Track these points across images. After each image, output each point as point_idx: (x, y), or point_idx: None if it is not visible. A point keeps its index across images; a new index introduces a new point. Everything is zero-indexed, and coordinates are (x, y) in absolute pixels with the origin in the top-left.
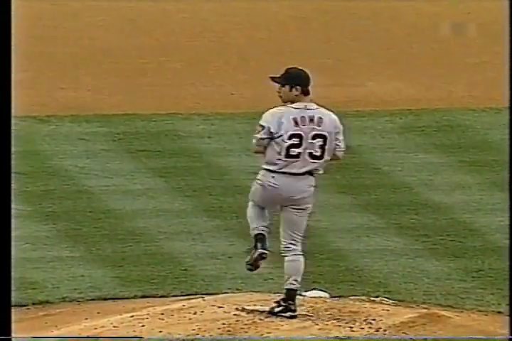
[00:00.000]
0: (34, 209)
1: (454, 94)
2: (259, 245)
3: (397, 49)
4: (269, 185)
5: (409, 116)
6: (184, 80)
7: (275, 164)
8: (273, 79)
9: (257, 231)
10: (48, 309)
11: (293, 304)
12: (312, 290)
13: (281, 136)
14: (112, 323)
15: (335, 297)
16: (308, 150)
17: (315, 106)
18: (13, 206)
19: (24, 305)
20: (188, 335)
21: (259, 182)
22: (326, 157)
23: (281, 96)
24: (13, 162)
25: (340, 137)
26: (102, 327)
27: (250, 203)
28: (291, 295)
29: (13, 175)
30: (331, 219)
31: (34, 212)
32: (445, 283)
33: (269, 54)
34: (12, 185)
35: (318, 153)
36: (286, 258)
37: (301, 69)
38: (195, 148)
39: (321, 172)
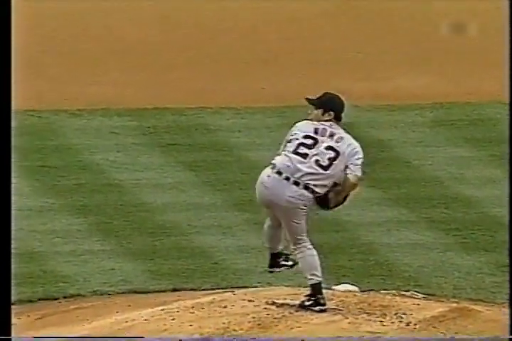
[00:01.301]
0: (65, 203)
1: (484, 88)
2: (270, 263)
3: (426, 44)
4: (262, 183)
5: (439, 110)
6: (214, 75)
7: (279, 159)
8: (309, 101)
9: (270, 251)
10: (79, 302)
11: (322, 298)
12: (342, 284)
13: (296, 133)
14: (142, 317)
15: (365, 291)
16: (316, 157)
17: (342, 130)
18: (44, 200)
19: (56, 299)
20: (218, 329)
21: (259, 178)
22: (331, 172)
23: (311, 119)
24: (44, 156)
25: (358, 162)
26: (133, 320)
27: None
28: (315, 289)
29: (44, 168)
30: (361, 213)
31: (65, 206)
32: (476, 277)
33: (299, 49)
34: (42, 178)
35: (324, 163)
36: (296, 257)
37: (337, 95)
38: (225, 142)
39: (319, 191)
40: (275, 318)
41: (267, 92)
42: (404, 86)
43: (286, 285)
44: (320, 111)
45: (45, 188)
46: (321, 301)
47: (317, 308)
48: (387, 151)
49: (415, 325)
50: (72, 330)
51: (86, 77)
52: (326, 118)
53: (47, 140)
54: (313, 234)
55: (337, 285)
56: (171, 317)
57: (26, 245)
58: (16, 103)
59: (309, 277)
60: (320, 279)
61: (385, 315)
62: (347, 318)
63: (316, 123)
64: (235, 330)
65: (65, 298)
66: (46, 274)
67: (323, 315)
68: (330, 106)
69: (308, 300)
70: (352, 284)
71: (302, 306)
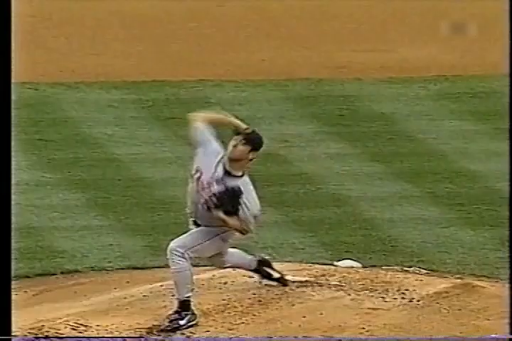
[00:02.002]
0: (63, 178)
1: (489, 60)
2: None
3: (431, 15)
4: None
5: (444, 82)
6: (214, 47)
7: None
8: (243, 132)
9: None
10: (77, 278)
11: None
12: (344, 260)
13: None
14: (141, 293)
15: (367, 267)
16: None
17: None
18: (41, 174)
19: (53, 274)
20: (219, 305)
21: None
22: None
23: (232, 152)
24: (41, 129)
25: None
26: (132, 296)
27: None
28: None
29: (41, 142)
30: (364, 188)
31: (63, 180)
32: (480, 252)
33: (302, 20)
34: (39, 152)
35: None
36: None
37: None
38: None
39: None
40: (276, 294)
41: (268, 65)
42: (408, 58)
43: (287, 261)
44: (247, 147)
45: (42, 162)
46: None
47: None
48: (390, 125)
49: (418, 301)
50: (71, 306)
51: (84, 48)
52: (250, 158)
53: (44, 113)
54: (314, 209)
55: (339, 261)
56: (171, 294)
57: (23, 220)
58: (12, 75)
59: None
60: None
61: (388, 291)
62: (349, 295)
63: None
64: (235, 307)
65: (62, 273)
66: (43, 249)
67: (325, 291)
68: (258, 146)
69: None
70: (354, 260)
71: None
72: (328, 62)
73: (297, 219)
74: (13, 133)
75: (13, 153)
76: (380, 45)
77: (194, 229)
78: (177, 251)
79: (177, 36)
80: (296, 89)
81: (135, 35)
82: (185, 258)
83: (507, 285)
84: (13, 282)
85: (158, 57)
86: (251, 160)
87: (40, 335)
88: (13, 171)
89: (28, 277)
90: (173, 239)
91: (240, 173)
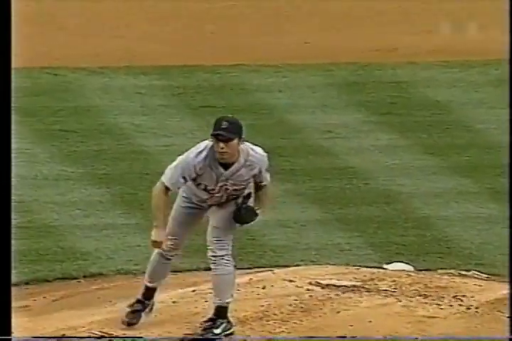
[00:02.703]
0: (85, 172)
1: None
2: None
3: None
4: None
5: (505, 66)
6: (252, 28)
7: None
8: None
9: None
10: (101, 282)
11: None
12: (395, 262)
13: None
14: (171, 298)
15: (420, 270)
16: None
17: None
18: (61, 168)
19: (75, 278)
20: (257, 312)
21: None
22: None
23: (226, 152)
24: (61, 119)
25: None
26: (161, 302)
27: None
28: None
29: (62, 133)
30: (417, 183)
31: (85, 175)
32: None
33: None
34: (60, 143)
35: None
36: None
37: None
38: (263, 104)
39: None
40: (319, 300)
41: (310, 48)
42: (466, 40)
43: (331, 264)
44: (236, 140)
45: (63, 155)
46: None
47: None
48: (446, 114)
49: (477, 308)
50: (94, 313)
51: (108, 30)
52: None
53: (64, 101)
54: (362, 206)
55: (389, 263)
56: (204, 299)
57: (42, 218)
58: (29, 59)
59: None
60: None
61: (443, 297)
62: (400, 301)
63: None
64: (274, 314)
65: (85, 277)
66: (64, 251)
67: (374, 297)
68: (241, 132)
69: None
70: (406, 263)
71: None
72: (377, 44)
73: (343, 218)
74: (30, 124)
75: (30, 145)
76: (432, 26)
77: (217, 223)
78: (227, 255)
79: (210, 16)
80: (341, 74)
81: (163, 14)
82: (230, 260)
83: None
84: (30, 286)
85: (190, 40)
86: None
87: (40, 335)
88: (31, 165)
89: (48, 281)
90: (206, 240)
91: (236, 157)
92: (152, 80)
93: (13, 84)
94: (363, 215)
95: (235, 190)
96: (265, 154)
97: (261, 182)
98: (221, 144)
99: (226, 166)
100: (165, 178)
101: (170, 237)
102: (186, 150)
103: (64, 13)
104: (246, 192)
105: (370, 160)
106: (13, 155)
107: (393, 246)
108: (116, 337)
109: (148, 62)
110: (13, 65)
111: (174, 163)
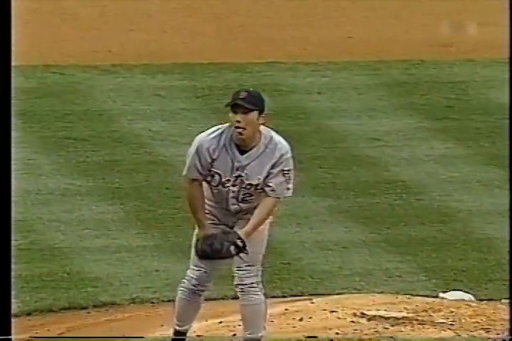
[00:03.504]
0: (96, 185)
1: None
2: None
3: None
4: None
5: None
6: (287, 20)
7: None
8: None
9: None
10: (113, 312)
11: None
12: (452, 291)
13: None
14: (195, 331)
15: (482, 300)
16: None
17: None
18: (69, 181)
19: (84, 308)
20: None
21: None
22: None
23: (243, 129)
24: (69, 124)
25: None
26: None
27: None
28: None
29: (69, 141)
30: (478, 199)
31: (96, 189)
32: None
33: None
34: (67, 153)
35: None
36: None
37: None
38: (301, 107)
39: None
40: (365, 334)
41: (355, 43)
42: None
43: (378, 292)
44: (255, 113)
45: (71, 166)
46: None
47: None
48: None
49: None
50: None
51: (123, 22)
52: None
53: (72, 104)
54: (414, 225)
55: (445, 292)
56: (232, 332)
57: (46, 239)
58: (32, 56)
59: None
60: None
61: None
62: (459, 335)
63: None
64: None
65: (95, 306)
66: (71, 276)
67: (429, 330)
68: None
69: None
70: (465, 291)
71: None
72: (430, 38)
73: (392, 239)
74: (34, 130)
75: (33, 155)
76: (490, 17)
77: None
78: (256, 282)
79: (239, 6)
80: (390, 73)
81: (186, 4)
82: (259, 288)
83: None
84: (33, 317)
85: (216, 33)
86: (262, 124)
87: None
88: (34, 177)
89: (52, 311)
90: (240, 269)
91: (256, 140)
92: (173, 80)
93: (13, 85)
94: (415, 236)
95: (250, 185)
96: (289, 149)
97: (268, 186)
98: (238, 117)
99: (243, 153)
100: (184, 170)
101: (195, 268)
102: None
103: (73, 2)
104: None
105: (423, 172)
106: (13, 166)
107: (451, 271)
108: (117, 336)
109: (168, 60)
110: (13, 62)
111: (189, 150)
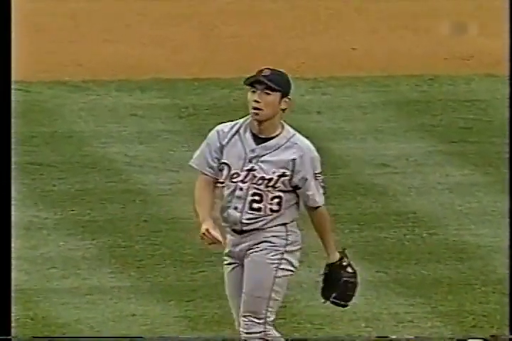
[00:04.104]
0: (64, 217)
1: None
2: None
3: None
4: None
5: None
6: (284, 30)
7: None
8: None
9: None
10: None
11: None
12: (471, 339)
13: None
14: None
15: None
16: None
17: None
18: (33, 213)
19: None
20: None
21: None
22: None
23: (261, 110)
24: (34, 148)
25: None
26: None
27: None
28: None
29: (34, 167)
30: (499, 233)
31: (65, 222)
32: None
33: None
34: (32, 181)
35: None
36: None
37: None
38: (299, 128)
39: None
40: None
41: (359, 55)
42: None
43: (388, 340)
44: (277, 95)
45: (36, 196)
46: None
47: None
48: None
49: None
50: None
51: (95, 32)
52: (283, 108)
53: (38, 125)
54: (428, 263)
55: (464, 340)
56: None
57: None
58: None
59: None
60: None
61: None
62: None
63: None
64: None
65: None
66: (36, 322)
67: None
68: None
69: None
70: (485, 340)
71: None
72: (446, 50)
73: (402, 279)
74: None
75: None
76: None
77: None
78: (263, 332)
79: (230, 14)
80: (400, 89)
81: (168, 12)
82: (271, 326)
83: None
84: None
85: (203, 45)
86: (284, 111)
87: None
88: None
89: None
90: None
91: (277, 131)
92: (152, 98)
93: None
94: (428, 276)
95: (262, 180)
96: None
97: (309, 197)
98: (256, 96)
99: (260, 143)
100: (192, 159)
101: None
102: None
103: (40, 11)
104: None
105: (437, 202)
106: None
107: (469, 316)
108: (117, 337)
109: (147, 75)
110: None
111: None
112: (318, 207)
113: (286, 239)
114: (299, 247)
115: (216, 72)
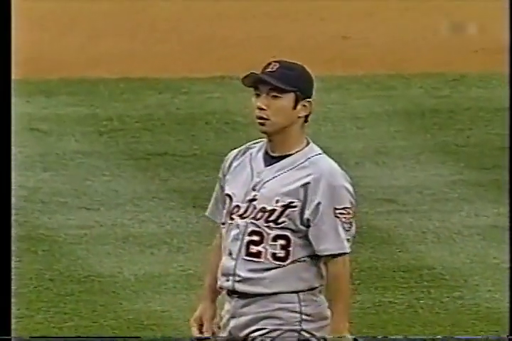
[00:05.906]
0: None
1: None
2: None
3: None
4: None
5: None
6: (248, 17)
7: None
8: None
9: None
10: None
11: None
12: None
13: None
14: None
15: None
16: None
17: None
18: None
19: None
20: None
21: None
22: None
23: (267, 119)
24: None
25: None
26: None
27: None
28: None
29: None
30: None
31: None
32: None
33: None
34: None
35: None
36: None
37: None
38: None
39: None
40: None
41: (353, 45)
42: None
43: None
44: (291, 96)
45: None
46: None
47: None
48: None
49: None
50: None
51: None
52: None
53: None
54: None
55: None
56: None
57: None
58: None
59: None
60: None
61: None
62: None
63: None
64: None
65: None
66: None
67: None
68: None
69: None
70: None
71: None
72: (476, 41)
73: None
74: None
75: None
76: None
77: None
78: None
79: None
80: (410, 94)
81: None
82: None
83: None
84: None
85: (132, 33)
86: (306, 119)
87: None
88: None
89: None
90: None
91: (296, 147)
92: (61, 106)
93: None
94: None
95: (262, 212)
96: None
97: (318, 239)
98: (261, 100)
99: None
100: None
101: None
102: (125, 236)
103: None
104: None
105: (463, 254)
106: None
107: None
108: (117, 336)
109: (54, 73)
110: None
111: None
112: (334, 256)
113: (301, 312)
114: (324, 324)
115: (154, 70)
